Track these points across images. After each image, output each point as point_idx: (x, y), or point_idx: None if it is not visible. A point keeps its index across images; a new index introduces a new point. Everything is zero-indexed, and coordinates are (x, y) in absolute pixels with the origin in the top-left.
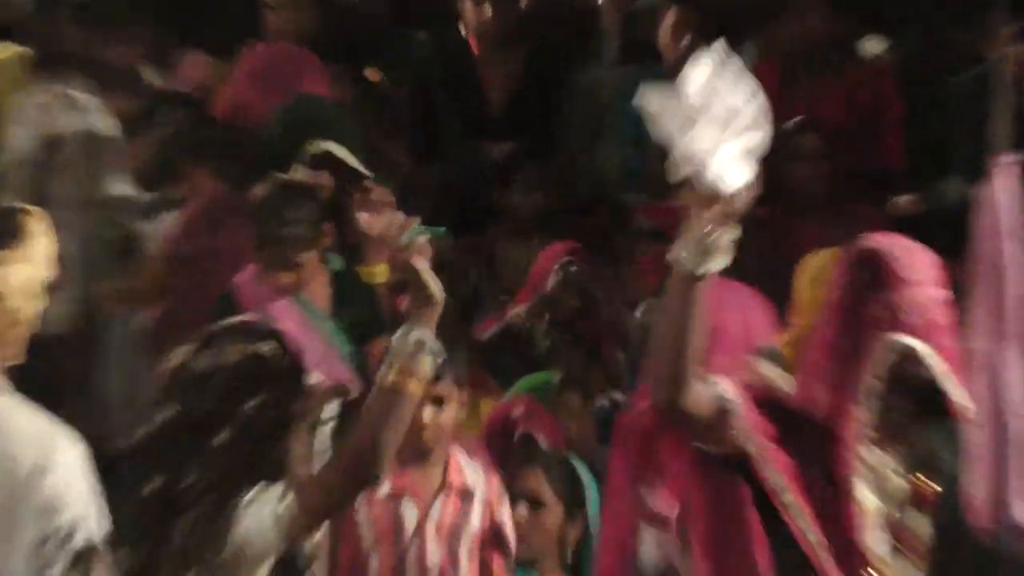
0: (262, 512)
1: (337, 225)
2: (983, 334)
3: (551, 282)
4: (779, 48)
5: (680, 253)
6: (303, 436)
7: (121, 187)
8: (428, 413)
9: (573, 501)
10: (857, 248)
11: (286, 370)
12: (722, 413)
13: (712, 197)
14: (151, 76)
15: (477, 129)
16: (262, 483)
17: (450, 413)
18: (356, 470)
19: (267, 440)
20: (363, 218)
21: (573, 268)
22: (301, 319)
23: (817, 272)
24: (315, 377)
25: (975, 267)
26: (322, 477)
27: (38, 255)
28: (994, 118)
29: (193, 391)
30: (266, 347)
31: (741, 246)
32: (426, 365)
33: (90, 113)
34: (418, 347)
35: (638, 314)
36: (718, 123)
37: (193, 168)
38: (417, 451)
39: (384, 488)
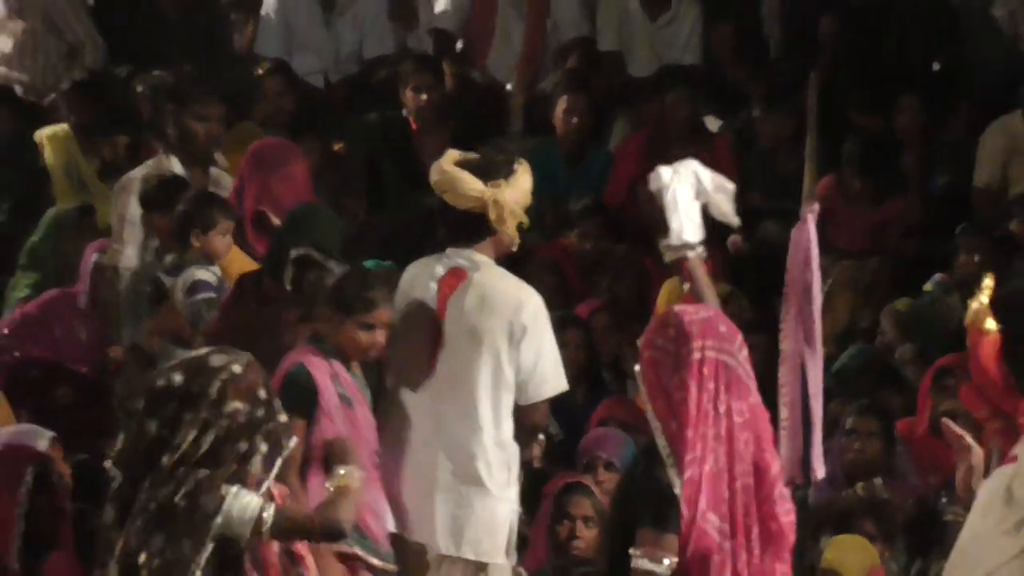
0: (249, 505)
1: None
2: (792, 338)
3: None
4: (645, 124)
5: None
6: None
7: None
8: None
9: None
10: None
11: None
12: None
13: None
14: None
15: (414, 186)
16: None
17: None
18: (323, 536)
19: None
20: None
21: None
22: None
23: (667, 294)
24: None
25: (788, 289)
26: (298, 518)
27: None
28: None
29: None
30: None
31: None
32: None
33: None
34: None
35: None
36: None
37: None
38: None
39: None
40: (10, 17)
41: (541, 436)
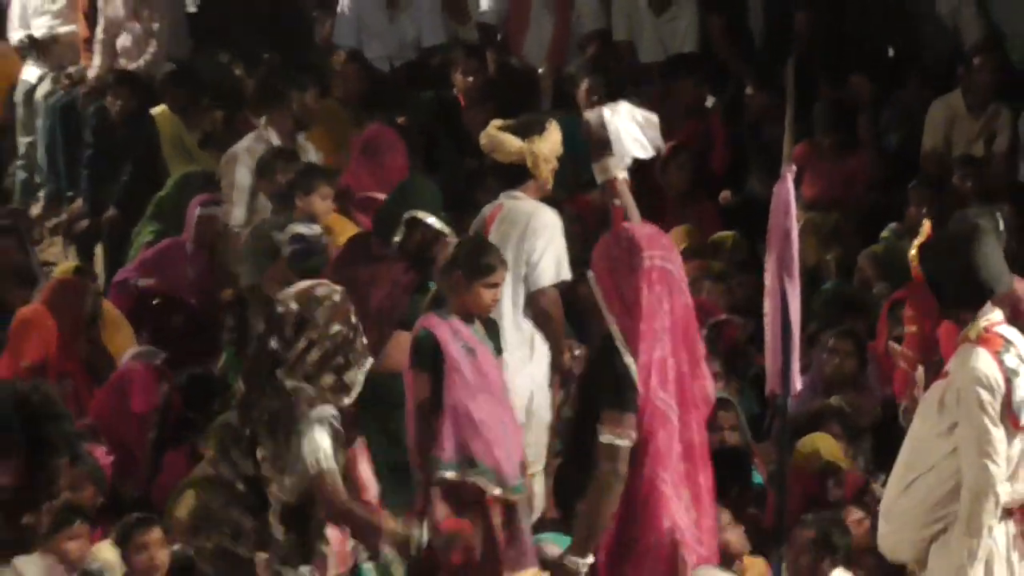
0: (319, 448)
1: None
2: (773, 274)
3: None
4: (653, 103)
5: None
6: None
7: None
8: None
9: None
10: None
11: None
12: None
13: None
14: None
15: (462, 152)
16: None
17: None
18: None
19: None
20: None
21: None
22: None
23: (675, 239)
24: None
25: (770, 235)
26: (344, 505)
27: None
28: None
29: None
30: None
31: None
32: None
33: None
34: None
35: None
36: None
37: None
38: None
39: None
40: (128, 18)
41: (577, 350)
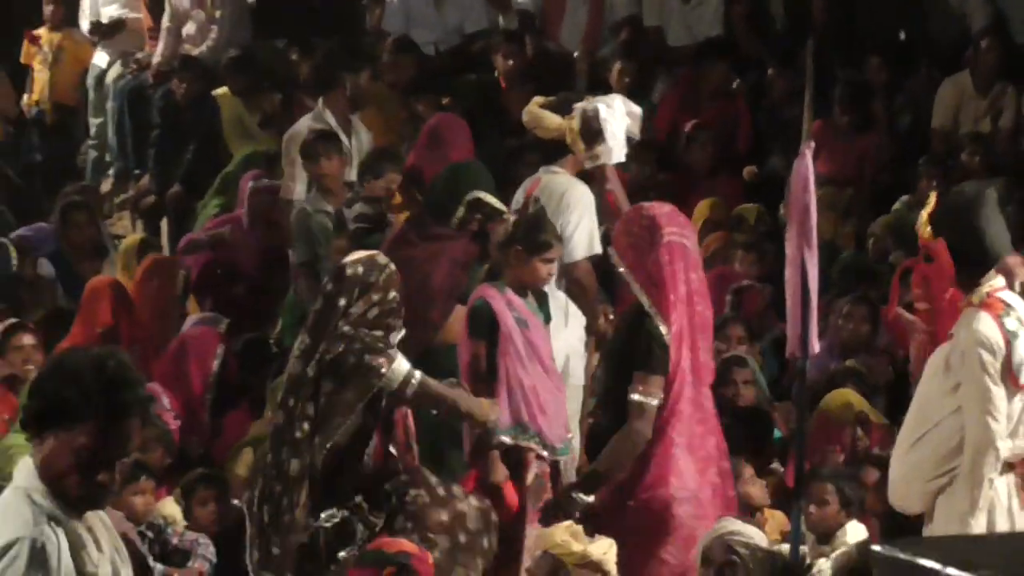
0: (402, 370)
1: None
2: (793, 244)
3: None
4: (680, 84)
5: None
6: None
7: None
8: None
9: None
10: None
11: None
12: None
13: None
14: None
15: (503, 131)
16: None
17: None
18: (449, 411)
19: None
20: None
21: None
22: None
23: (700, 212)
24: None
25: (790, 207)
26: (437, 392)
27: None
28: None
29: None
30: None
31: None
32: None
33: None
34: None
35: None
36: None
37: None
38: None
39: None
40: (193, 7)
41: (611, 315)
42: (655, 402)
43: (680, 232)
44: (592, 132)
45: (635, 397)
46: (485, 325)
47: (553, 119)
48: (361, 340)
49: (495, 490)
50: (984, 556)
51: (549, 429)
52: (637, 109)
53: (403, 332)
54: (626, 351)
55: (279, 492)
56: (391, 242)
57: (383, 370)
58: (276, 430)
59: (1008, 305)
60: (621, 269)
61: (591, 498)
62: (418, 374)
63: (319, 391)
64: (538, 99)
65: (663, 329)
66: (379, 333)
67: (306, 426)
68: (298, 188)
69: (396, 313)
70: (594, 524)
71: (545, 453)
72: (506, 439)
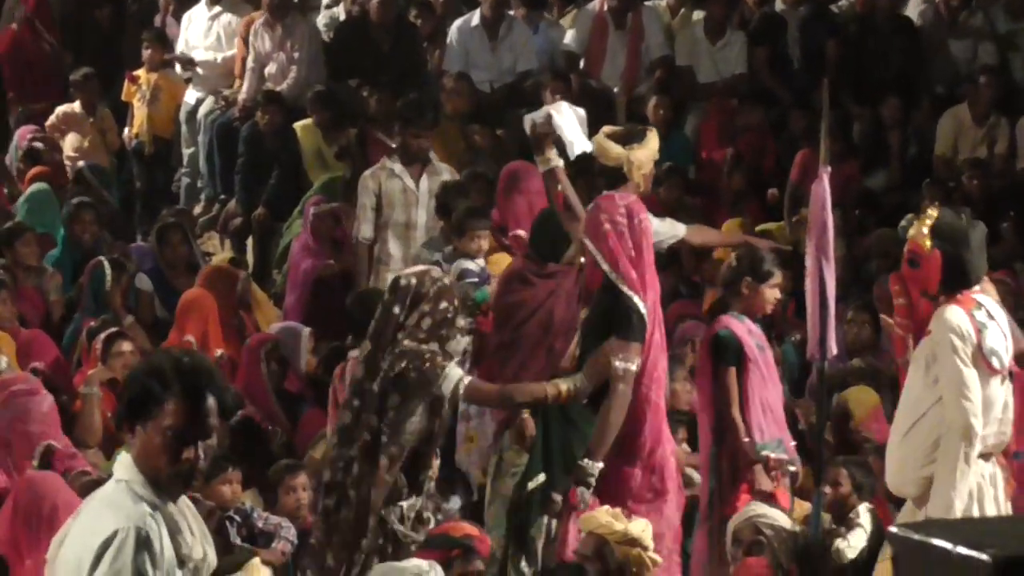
0: (454, 376)
1: None
2: (812, 257)
3: None
4: (713, 115)
5: None
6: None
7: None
8: None
9: None
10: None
11: None
12: None
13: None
14: None
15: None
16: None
17: None
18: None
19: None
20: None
21: None
22: None
23: (731, 229)
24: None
25: (810, 225)
26: (484, 392)
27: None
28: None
29: None
30: None
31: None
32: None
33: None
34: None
35: None
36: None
37: None
38: None
39: None
40: (275, 49)
41: None
42: (634, 367)
43: (647, 218)
44: (543, 136)
45: (617, 363)
46: (733, 352)
47: (613, 148)
48: (421, 356)
49: (767, 498)
50: (990, 537)
51: (788, 443)
52: (581, 111)
53: (466, 340)
54: (603, 322)
55: (346, 482)
56: (506, 283)
57: (440, 380)
58: (343, 427)
59: (979, 303)
60: (594, 253)
61: (600, 464)
62: (467, 379)
63: (385, 405)
64: (606, 129)
65: (637, 299)
66: (435, 346)
67: (366, 435)
68: (364, 228)
69: (449, 324)
70: (602, 488)
71: (792, 468)
72: (770, 454)
